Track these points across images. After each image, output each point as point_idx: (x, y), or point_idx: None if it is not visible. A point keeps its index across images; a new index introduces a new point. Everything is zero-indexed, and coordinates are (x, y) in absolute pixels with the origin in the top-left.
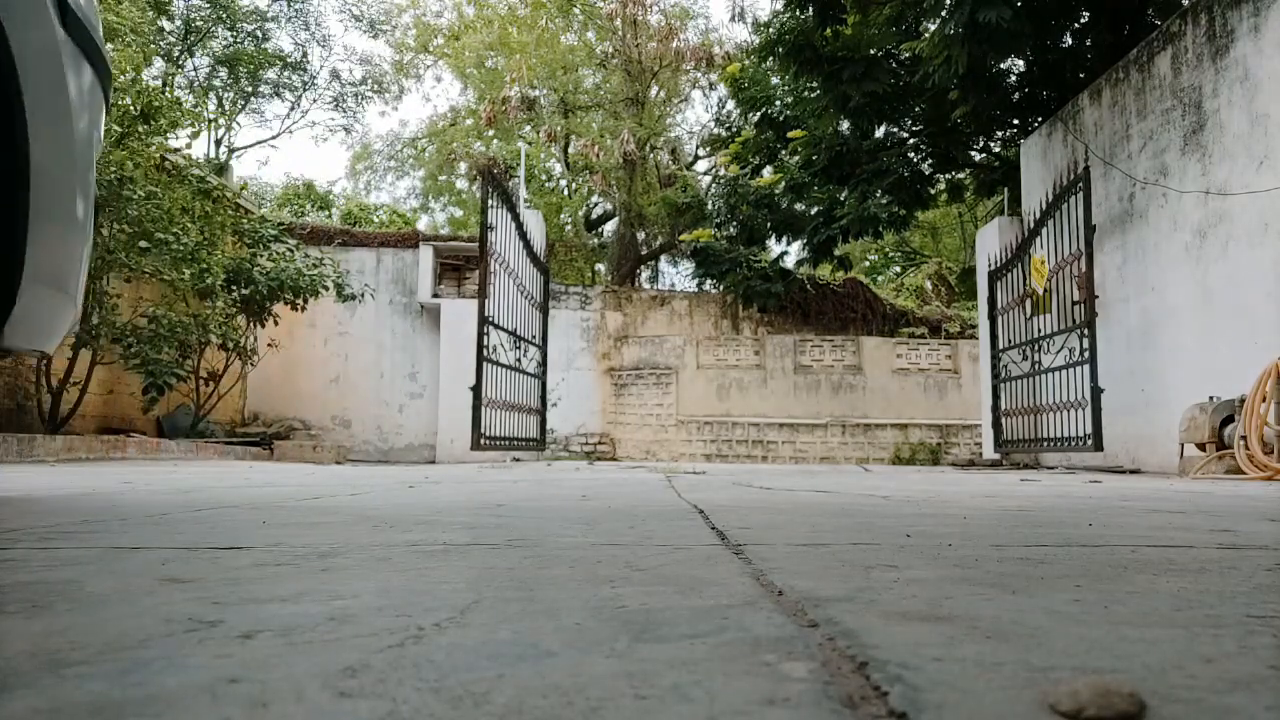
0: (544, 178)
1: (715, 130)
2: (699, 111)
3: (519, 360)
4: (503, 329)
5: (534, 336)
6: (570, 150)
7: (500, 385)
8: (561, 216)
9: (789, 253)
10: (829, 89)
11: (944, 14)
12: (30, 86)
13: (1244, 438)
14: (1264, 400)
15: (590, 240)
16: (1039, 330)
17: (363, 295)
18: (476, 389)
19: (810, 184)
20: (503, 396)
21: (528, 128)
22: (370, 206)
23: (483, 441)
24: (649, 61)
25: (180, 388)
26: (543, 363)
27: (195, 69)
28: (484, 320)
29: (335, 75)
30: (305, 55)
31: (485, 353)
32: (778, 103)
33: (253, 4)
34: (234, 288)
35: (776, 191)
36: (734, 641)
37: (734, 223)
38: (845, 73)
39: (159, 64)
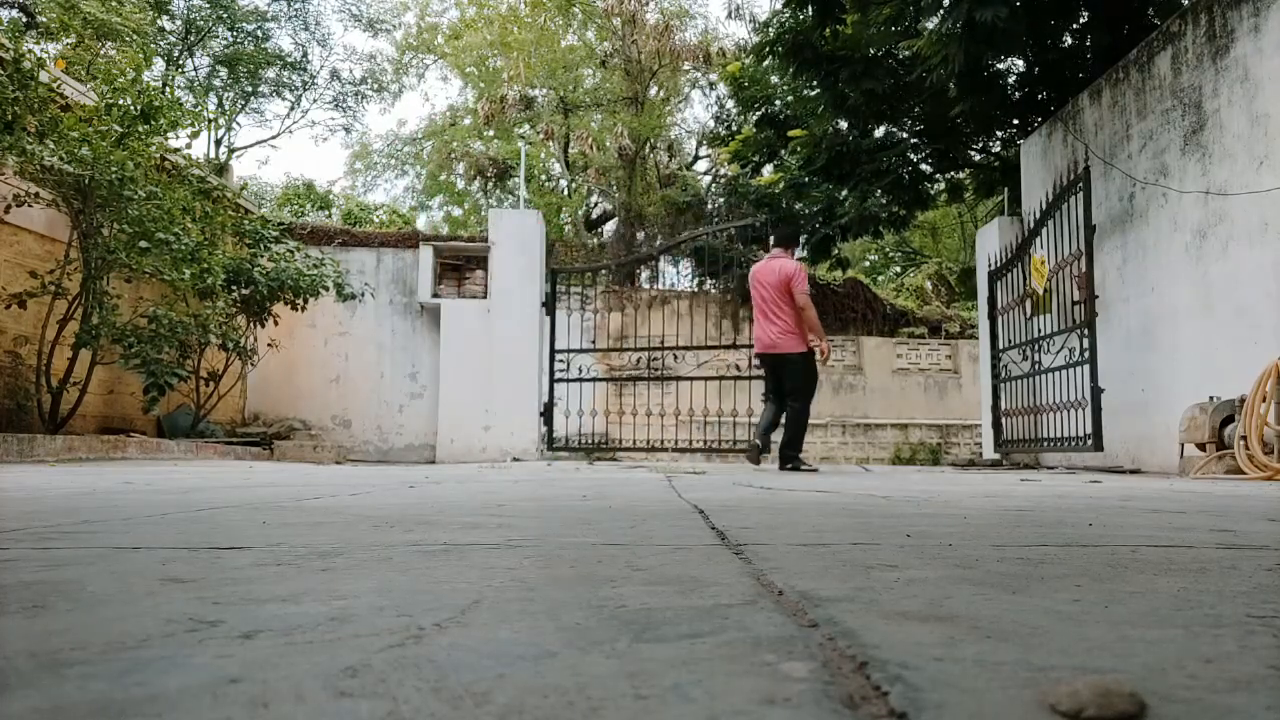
0: (544, 177)
1: (715, 129)
2: (698, 110)
3: None
4: None
5: None
6: (570, 150)
7: None
8: (561, 216)
9: None
10: (827, 88)
11: (942, 12)
12: None
13: (1244, 438)
14: (1264, 400)
15: (590, 240)
16: (1039, 330)
17: (363, 295)
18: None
19: (810, 183)
20: None
21: (526, 127)
22: (370, 206)
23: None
24: (648, 60)
25: (180, 388)
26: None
27: (195, 69)
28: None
29: (335, 75)
30: (305, 55)
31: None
32: (777, 102)
33: (253, 4)
34: (234, 288)
35: (776, 191)
36: (734, 641)
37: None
38: (844, 72)
39: (159, 64)
